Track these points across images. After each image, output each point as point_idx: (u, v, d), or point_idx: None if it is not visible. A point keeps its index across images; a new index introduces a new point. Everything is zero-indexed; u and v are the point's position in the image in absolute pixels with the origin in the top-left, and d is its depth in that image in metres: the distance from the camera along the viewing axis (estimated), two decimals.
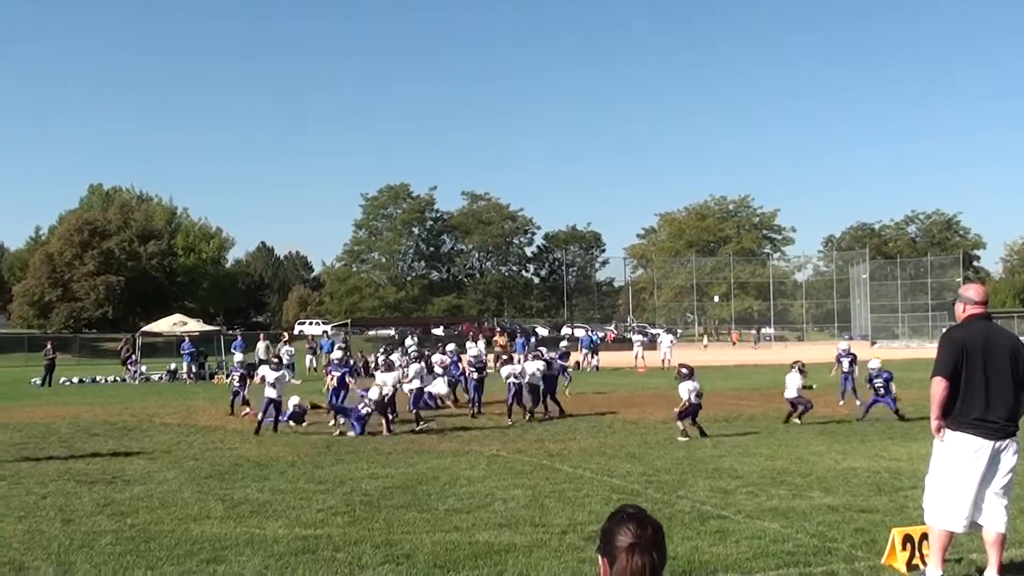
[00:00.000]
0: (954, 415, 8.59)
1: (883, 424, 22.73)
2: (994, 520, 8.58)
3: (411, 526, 11.15)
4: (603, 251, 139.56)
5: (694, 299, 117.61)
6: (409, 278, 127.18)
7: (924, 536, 9.09)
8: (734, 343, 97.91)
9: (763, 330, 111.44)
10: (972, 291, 9.07)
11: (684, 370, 20.59)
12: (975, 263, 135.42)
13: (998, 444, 8.49)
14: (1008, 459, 8.58)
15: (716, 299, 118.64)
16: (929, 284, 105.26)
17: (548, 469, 15.70)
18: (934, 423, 8.72)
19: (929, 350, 79.41)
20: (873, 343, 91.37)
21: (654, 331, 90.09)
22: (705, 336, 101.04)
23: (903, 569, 9.02)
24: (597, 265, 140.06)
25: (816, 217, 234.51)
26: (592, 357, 52.01)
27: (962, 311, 8.97)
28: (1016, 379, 8.59)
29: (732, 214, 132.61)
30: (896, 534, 9.30)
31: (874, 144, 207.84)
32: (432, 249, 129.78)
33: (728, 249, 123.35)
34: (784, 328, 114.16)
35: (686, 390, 19.89)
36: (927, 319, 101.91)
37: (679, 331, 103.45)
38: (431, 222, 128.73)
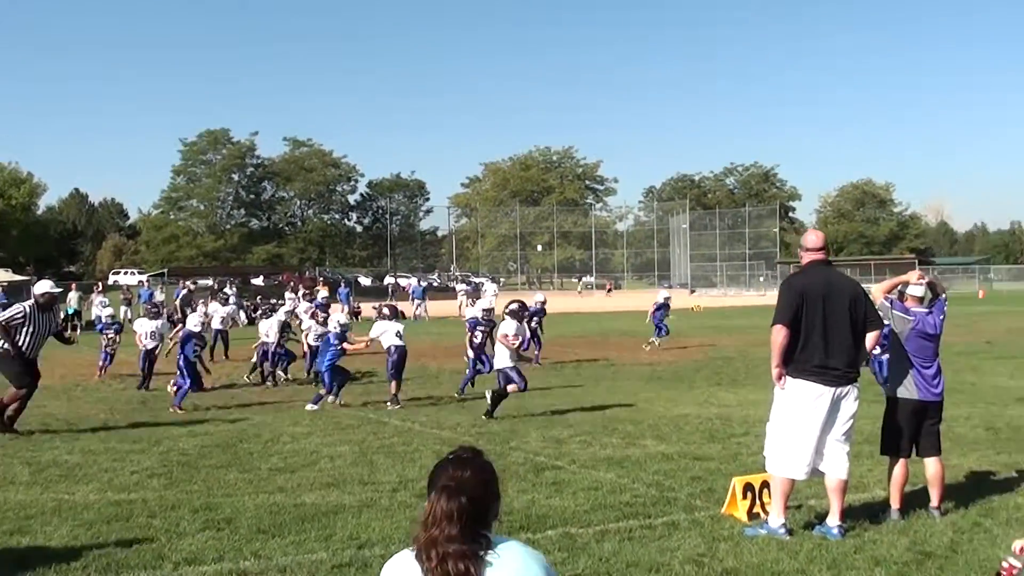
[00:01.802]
0: (795, 362, 8.42)
1: (708, 371, 22.91)
2: (836, 467, 8.48)
3: (232, 488, 10.47)
4: (427, 200, 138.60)
5: (517, 248, 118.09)
6: (228, 226, 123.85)
7: (765, 484, 8.95)
8: (609, 291, 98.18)
9: (584, 278, 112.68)
10: (812, 237, 8.92)
11: (386, 310, 18.76)
12: (791, 214, 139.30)
13: (839, 391, 8.37)
14: (849, 406, 8.46)
15: (539, 248, 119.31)
16: (747, 234, 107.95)
17: (375, 423, 15.17)
18: (775, 371, 8.53)
19: (746, 298, 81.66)
20: (692, 291, 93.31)
21: (477, 280, 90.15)
22: (587, 284, 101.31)
23: (744, 518, 8.84)
24: (421, 214, 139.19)
25: (638, 168, 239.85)
26: (422, 306, 51.50)
27: (802, 258, 8.82)
28: (856, 325, 8.47)
29: (556, 164, 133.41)
30: (737, 483, 9.12)
31: (695, 96, 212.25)
32: (252, 196, 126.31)
33: (551, 199, 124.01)
34: (604, 276, 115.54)
35: (390, 332, 17.69)
36: (744, 268, 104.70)
37: (501, 280, 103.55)
38: (252, 168, 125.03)
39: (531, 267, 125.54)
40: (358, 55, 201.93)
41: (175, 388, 17.55)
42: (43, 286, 15.67)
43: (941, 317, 9.19)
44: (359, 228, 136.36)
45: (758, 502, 9.00)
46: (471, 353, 19.53)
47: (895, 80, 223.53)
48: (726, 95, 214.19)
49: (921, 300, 9.34)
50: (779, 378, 8.51)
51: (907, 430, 9.07)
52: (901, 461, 9.05)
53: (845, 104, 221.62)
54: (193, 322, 18.46)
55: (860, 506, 9.28)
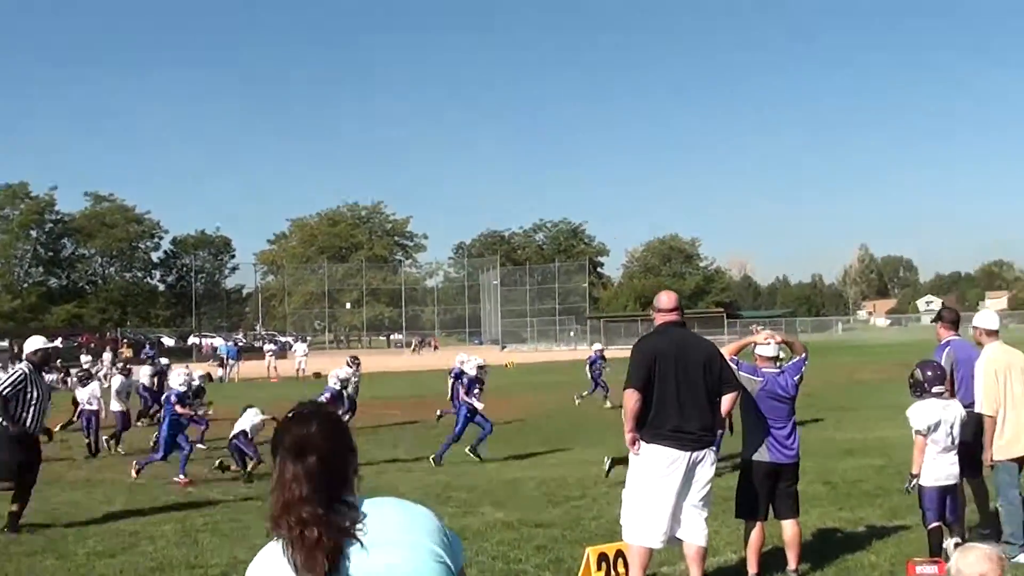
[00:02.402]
0: (648, 427, 8.18)
1: (532, 429, 22.68)
2: (694, 534, 8.23)
3: None
4: (233, 257, 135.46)
5: (325, 306, 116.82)
6: (26, 285, 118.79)
7: (619, 554, 8.65)
8: (436, 348, 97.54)
9: (392, 336, 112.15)
10: (664, 298, 8.72)
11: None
12: (599, 269, 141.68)
13: (695, 455, 8.14)
14: (705, 471, 8.25)
15: (348, 306, 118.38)
16: (556, 290, 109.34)
17: (196, 497, 14.34)
18: (628, 436, 8.28)
19: (557, 353, 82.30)
20: (503, 347, 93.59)
21: (284, 339, 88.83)
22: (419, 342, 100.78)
23: None
24: (226, 271, 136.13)
25: (448, 224, 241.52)
26: (233, 368, 50.07)
27: (656, 319, 8.63)
28: (710, 388, 8.28)
29: (364, 220, 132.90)
30: (591, 553, 8.78)
31: (504, 153, 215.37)
32: (51, 254, 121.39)
33: (360, 256, 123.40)
34: (415, 334, 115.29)
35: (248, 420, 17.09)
36: (554, 323, 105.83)
37: (309, 338, 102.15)
38: (51, 224, 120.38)
39: (339, 325, 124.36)
40: (159, 106, 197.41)
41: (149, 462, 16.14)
42: (36, 342, 12.89)
43: (796, 377, 9.10)
44: (162, 287, 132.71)
45: (613, 572, 8.70)
46: (468, 414, 18.43)
47: (699, 138, 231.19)
48: (534, 152, 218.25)
49: (774, 360, 9.24)
50: (633, 443, 8.25)
51: (762, 493, 8.91)
52: (757, 524, 8.89)
53: (652, 161, 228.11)
54: (179, 381, 17.12)
55: (714, 571, 9.09)
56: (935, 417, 8.66)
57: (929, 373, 8.97)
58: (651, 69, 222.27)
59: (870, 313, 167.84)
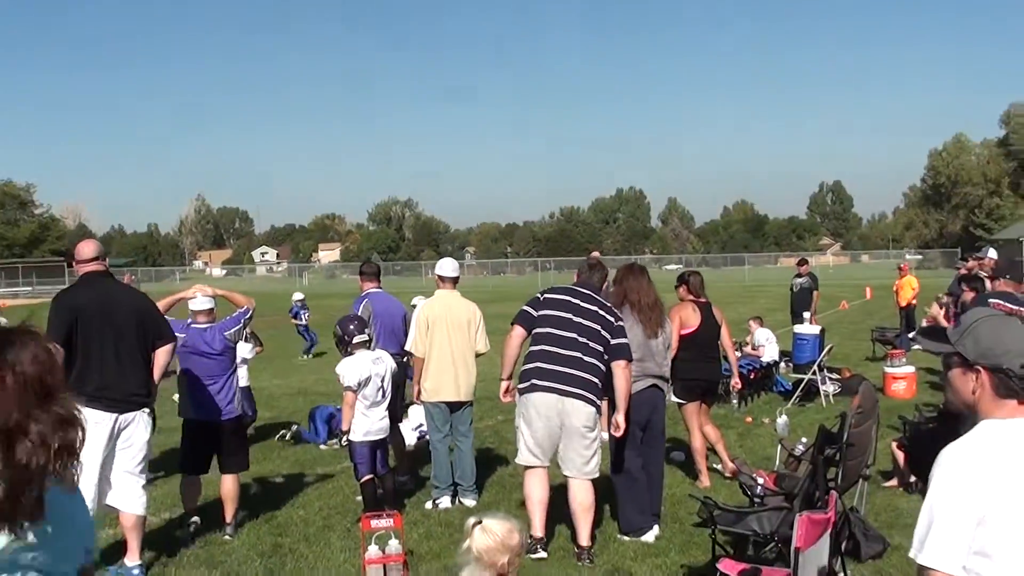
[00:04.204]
0: (71, 385, 7.40)
1: None
2: (129, 502, 7.71)
3: None
4: None
5: None
6: None
7: None
8: None
9: None
10: (86, 248, 7.92)
11: None
12: None
13: (123, 418, 7.58)
14: (139, 433, 7.73)
15: None
16: None
17: None
18: None
19: None
20: None
21: None
22: None
23: None
24: None
25: None
26: None
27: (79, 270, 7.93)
28: (141, 344, 7.72)
29: None
30: None
31: None
32: None
33: None
34: None
35: None
36: None
37: None
38: None
39: None
40: None
41: None
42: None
43: (229, 332, 8.85)
44: None
45: None
46: None
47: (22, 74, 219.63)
48: None
49: (209, 313, 8.90)
50: None
51: (202, 449, 8.83)
52: (198, 479, 8.88)
53: None
54: None
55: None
56: (365, 372, 8.69)
57: (351, 327, 9.02)
58: None
59: (206, 263, 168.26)
